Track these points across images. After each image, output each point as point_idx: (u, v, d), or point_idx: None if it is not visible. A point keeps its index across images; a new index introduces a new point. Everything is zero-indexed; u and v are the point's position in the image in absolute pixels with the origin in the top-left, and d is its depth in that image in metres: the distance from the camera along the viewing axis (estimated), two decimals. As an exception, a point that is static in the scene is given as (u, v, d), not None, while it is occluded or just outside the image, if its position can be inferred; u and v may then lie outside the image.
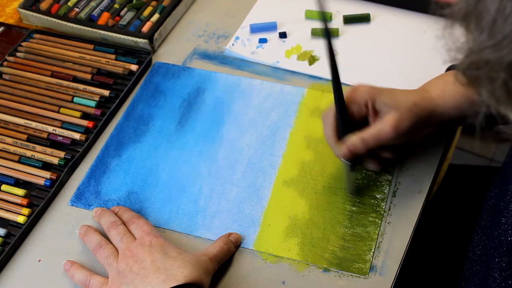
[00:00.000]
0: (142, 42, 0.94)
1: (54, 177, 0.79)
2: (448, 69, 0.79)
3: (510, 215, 0.64)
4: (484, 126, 0.78)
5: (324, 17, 0.65)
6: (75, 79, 0.91)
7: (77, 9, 0.99)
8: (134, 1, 1.00)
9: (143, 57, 0.94)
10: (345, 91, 0.72)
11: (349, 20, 0.96)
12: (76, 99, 0.88)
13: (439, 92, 0.74)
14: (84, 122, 0.85)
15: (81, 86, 0.89)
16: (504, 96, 0.42)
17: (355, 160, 0.74)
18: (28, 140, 0.84)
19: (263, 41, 0.95)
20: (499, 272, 0.65)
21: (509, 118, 0.45)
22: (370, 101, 0.73)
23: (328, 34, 0.67)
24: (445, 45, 0.44)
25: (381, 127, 0.71)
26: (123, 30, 0.96)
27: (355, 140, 0.72)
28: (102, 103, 0.88)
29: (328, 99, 0.87)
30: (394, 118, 0.71)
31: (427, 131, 0.80)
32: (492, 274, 0.66)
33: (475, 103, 0.46)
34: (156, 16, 0.98)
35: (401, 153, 0.79)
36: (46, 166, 0.81)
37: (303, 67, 0.91)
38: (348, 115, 0.73)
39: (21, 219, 0.75)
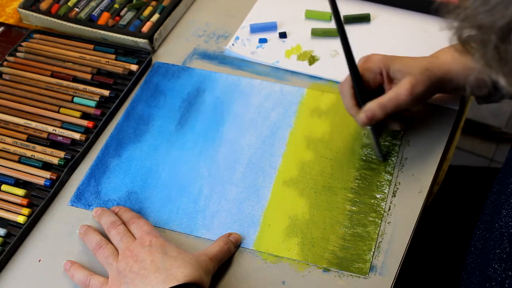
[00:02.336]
0: (142, 42, 0.94)
1: (54, 177, 0.79)
2: None
3: (511, 208, 0.64)
4: (483, 97, 0.79)
5: None
6: (75, 79, 0.91)
7: (77, 9, 0.99)
8: (134, 1, 1.00)
9: (143, 57, 0.94)
10: (358, 61, 0.76)
11: (349, 20, 0.96)
12: (76, 99, 0.88)
13: (449, 58, 0.77)
14: (84, 122, 0.85)
15: (81, 86, 0.89)
16: (495, 60, 0.45)
17: (377, 125, 0.77)
18: (28, 140, 0.84)
19: (263, 41, 0.95)
20: (499, 263, 0.65)
21: (499, 84, 0.47)
22: (384, 69, 0.77)
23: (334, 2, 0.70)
24: (443, 9, 0.47)
25: (398, 91, 0.75)
26: (123, 30, 0.96)
27: (373, 106, 0.75)
28: (102, 103, 0.88)
29: (328, 99, 0.87)
30: (409, 81, 0.75)
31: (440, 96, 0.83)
32: (492, 265, 0.66)
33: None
34: (156, 16, 0.98)
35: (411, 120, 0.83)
36: (46, 166, 0.81)
37: (303, 67, 0.91)
38: (364, 84, 0.76)
39: (21, 219, 0.75)
